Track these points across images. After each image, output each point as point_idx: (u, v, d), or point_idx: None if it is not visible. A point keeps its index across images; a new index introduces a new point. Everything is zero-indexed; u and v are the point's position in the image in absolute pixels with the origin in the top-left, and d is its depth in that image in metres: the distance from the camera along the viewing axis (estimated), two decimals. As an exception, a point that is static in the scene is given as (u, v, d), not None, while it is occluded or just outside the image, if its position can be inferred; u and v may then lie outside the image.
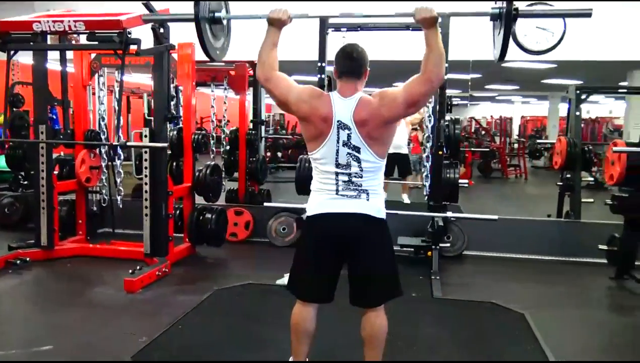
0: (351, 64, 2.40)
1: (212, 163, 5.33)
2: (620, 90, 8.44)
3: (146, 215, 4.58)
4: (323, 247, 2.45)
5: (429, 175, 4.79)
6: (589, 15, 2.50)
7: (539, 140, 13.42)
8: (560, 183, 6.06)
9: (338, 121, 2.34)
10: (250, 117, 6.95)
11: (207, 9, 2.67)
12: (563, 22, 5.46)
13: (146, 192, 4.56)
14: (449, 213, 4.42)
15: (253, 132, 6.65)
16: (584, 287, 4.54)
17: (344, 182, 2.39)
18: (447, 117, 4.85)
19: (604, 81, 11.29)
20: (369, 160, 2.36)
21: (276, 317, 3.52)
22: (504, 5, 2.41)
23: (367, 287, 2.46)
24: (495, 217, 4.47)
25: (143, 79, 9.75)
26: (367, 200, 2.40)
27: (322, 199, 2.44)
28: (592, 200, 6.23)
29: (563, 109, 18.39)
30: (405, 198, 8.23)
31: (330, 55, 4.71)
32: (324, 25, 4.61)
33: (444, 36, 4.47)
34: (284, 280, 4.16)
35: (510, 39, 2.57)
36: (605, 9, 6.07)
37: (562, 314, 3.83)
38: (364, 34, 4.72)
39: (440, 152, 4.52)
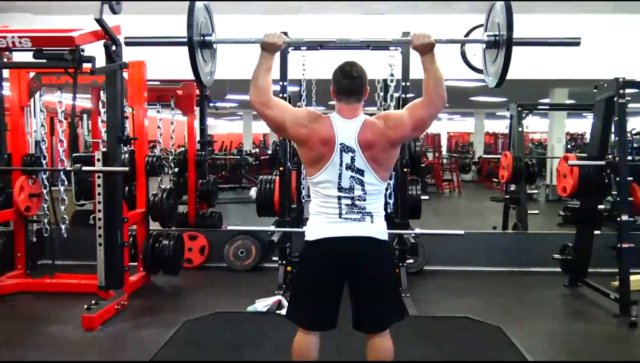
0: (351, 83, 2.32)
1: (168, 186, 5.08)
2: (554, 108, 8.97)
3: (100, 244, 4.25)
4: (327, 272, 2.35)
5: (392, 193, 4.81)
6: (577, 44, 2.61)
7: (485, 155, 14.02)
8: (507, 196, 6.32)
9: (341, 144, 2.27)
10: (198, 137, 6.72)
11: (199, 32, 2.53)
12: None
13: (100, 219, 4.24)
14: (418, 230, 4.45)
15: (202, 153, 6.43)
16: (545, 295, 4.70)
17: (347, 205, 2.31)
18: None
19: (528, 98, 12.00)
20: (372, 183, 2.31)
21: (256, 346, 3.38)
22: (503, 33, 2.45)
23: (373, 310, 2.38)
24: (462, 231, 4.55)
25: (68, 100, 9.21)
26: (372, 222, 2.34)
27: (323, 223, 2.35)
28: (537, 211, 6.53)
29: (488, 125, 19.38)
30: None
31: (292, 73, 4.70)
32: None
33: (405, 55, 4.59)
34: (256, 306, 4.04)
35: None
36: (528, 28, 6.41)
37: (534, 325, 3.93)
38: (323, 53, 4.72)
39: (405, 169, 4.56)
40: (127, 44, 2.76)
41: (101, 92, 5.07)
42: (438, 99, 2.29)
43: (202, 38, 2.56)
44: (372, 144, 2.27)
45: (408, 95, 4.55)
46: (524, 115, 6.30)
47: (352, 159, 2.27)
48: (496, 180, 7.66)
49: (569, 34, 2.73)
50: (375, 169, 2.30)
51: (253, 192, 11.72)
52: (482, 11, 2.70)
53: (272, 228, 4.48)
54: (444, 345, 3.40)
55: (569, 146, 13.76)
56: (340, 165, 2.28)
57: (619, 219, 4.11)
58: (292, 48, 4.62)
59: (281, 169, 4.61)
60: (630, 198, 4.12)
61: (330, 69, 2.39)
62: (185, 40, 2.46)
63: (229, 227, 5.18)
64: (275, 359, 3.17)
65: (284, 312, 3.93)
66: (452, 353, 3.28)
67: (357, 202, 2.31)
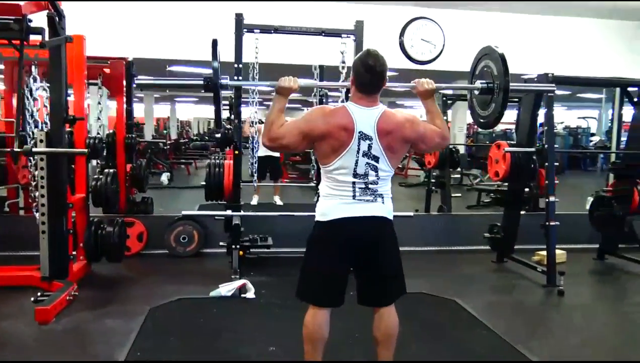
0: (373, 78, 2.38)
1: (111, 170, 4.81)
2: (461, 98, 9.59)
3: (43, 232, 3.96)
4: (342, 251, 2.45)
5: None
6: (552, 92, 2.92)
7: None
8: (434, 181, 6.75)
9: (360, 132, 2.35)
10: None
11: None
12: (443, 36, 6.08)
13: (43, 205, 3.94)
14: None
15: (132, 136, 6.12)
16: (478, 271, 5.11)
17: (361, 188, 2.41)
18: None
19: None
20: (384, 170, 2.43)
21: (234, 330, 3.39)
22: (497, 82, 2.69)
23: (385, 286, 2.52)
24: (412, 213, 4.82)
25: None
26: (383, 203, 2.47)
27: (337, 204, 2.43)
28: (459, 194, 7.05)
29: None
30: (278, 201, 8.35)
31: (246, 56, 4.64)
32: (240, 26, 4.49)
33: (358, 43, 4.72)
34: (220, 291, 4.01)
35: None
36: (459, 25, 6.85)
37: (478, 298, 4.28)
38: (277, 37, 4.74)
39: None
40: (138, 86, 2.68)
41: (33, 68, 4.62)
42: (448, 136, 2.61)
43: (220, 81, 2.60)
44: (389, 133, 2.38)
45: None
46: (449, 103, 6.73)
47: (369, 147, 2.37)
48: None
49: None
50: (389, 157, 2.41)
51: (164, 178, 11.35)
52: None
53: (229, 212, 4.45)
54: (412, 320, 3.57)
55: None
56: (358, 152, 2.36)
57: (547, 200, 4.61)
58: (246, 30, 4.57)
59: (236, 152, 4.57)
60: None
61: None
62: (202, 82, 2.60)
63: (184, 212, 5.00)
64: (258, 342, 3.20)
65: (249, 295, 3.99)
66: (424, 327, 3.52)
67: (370, 186, 2.42)
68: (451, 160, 6.58)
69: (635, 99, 5.17)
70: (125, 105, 6.32)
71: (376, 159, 2.39)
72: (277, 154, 8.22)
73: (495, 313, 3.90)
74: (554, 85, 2.91)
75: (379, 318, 2.53)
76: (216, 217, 4.97)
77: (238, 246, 4.63)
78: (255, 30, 4.58)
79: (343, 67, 4.81)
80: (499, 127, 16.07)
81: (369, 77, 2.37)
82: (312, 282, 2.51)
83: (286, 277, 4.64)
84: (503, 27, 6.23)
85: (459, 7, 6.03)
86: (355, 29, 4.68)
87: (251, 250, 4.95)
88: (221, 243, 5.12)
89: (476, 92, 2.86)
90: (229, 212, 4.49)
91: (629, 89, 5.21)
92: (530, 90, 3.02)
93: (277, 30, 4.61)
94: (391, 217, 2.51)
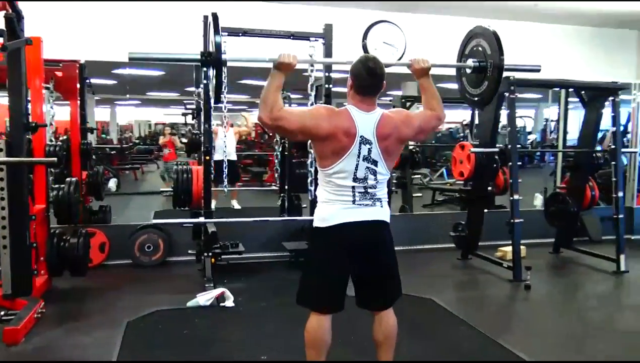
0: (373, 81, 2.40)
1: (73, 179, 4.58)
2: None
3: (4, 247, 3.71)
4: (343, 256, 2.45)
5: (312, 179, 4.96)
6: (538, 71, 3.01)
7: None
8: (395, 181, 6.86)
9: (361, 136, 2.36)
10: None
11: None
12: (404, 39, 6.17)
13: (3, 218, 3.70)
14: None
15: (87, 141, 5.86)
16: (445, 269, 5.25)
17: (360, 193, 2.42)
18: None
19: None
20: (382, 173, 2.45)
21: (223, 339, 3.32)
22: (490, 60, 2.76)
23: (385, 288, 2.55)
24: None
25: None
26: (382, 207, 2.49)
27: (338, 209, 2.42)
28: (420, 194, 7.20)
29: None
30: (236, 205, 8.23)
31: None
32: (208, 28, 4.40)
33: (327, 46, 4.73)
34: (198, 300, 3.91)
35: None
36: (415, 27, 6.98)
37: (450, 295, 4.42)
38: (246, 40, 4.67)
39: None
40: (131, 59, 2.53)
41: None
42: (442, 115, 2.59)
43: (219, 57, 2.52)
44: (387, 137, 2.41)
45: (331, 86, 4.72)
46: (407, 105, 6.85)
47: (369, 151, 2.38)
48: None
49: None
50: (386, 160, 2.44)
51: (112, 184, 10.92)
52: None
53: (202, 219, 4.34)
54: (416, 327, 3.62)
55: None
56: (358, 156, 2.37)
57: (511, 198, 4.79)
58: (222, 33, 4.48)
59: (207, 158, 4.47)
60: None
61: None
62: (198, 58, 2.53)
63: (154, 221, 4.82)
64: (248, 350, 3.16)
65: (228, 303, 3.91)
66: (408, 326, 3.51)
67: (369, 190, 2.43)
68: (412, 160, 6.71)
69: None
70: (79, 110, 6.07)
71: (375, 163, 2.41)
72: (234, 158, 8.13)
73: (470, 309, 4.02)
74: (539, 65, 2.99)
75: (379, 320, 2.55)
76: (184, 224, 4.85)
77: (210, 253, 4.52)
78: (223, 33, 4.49)
79: (312, 70, 4.82)
80: (444, 126, 16.59)
81: (370, 79, 2.38)
82: (315, 288, 2.50)
83: (261, 283, 4.62)
84: (464, 31, 6.42)
85: (421, 12, 6.17)
86: (325, 32, 4.70)
87: (222, 257, 4.84)
88: (190, 251, 5.02)
89: (468, 71, 2.91)
90: (202, 219, 4.38)
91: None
92: (520, 69, 3.07)
93: (245, 33, 4.56)
94: (389, 220, 2.54)
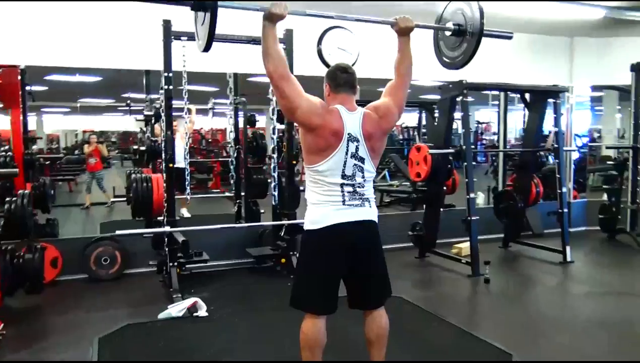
0: (349, 77, 2.48)
1: (26, 191, 4.32)
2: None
3: (-44, 266, 3.47)
4: (336, 257, 2.48)
5: (275, 184, 4.96)
6: (510, 37, 3.07)
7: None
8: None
9: (349, 134, 2.40)
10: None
11: None
12: (357, 44, 6.29)
13: (-46, 235, 3.46)
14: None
15: (31, 151, 5.55)
16: (406, 268, 5.36)
17: (349, 192, 2.46)
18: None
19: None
20: (369, 171, 2.50)
21: (201, 350, 3.25)
22: (470, 23, 2.80)
23: (377, 288, 2.59)
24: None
25: None
26: (370, 207, 2.54)
27: (329, 211, 2.45)
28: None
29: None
30: (185, 213, 8.04)
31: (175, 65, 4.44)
32: (168, 33, 4.31)
33: (288, 52, 4.75)
34: (170, 312, 3.81)
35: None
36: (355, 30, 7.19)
37: (417, 293, 4.54)
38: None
39: (293, 161, 4.75)
40: None
41: None
42: (409, 78, 2.62)
43: None
44: (372, 135, 2.47)
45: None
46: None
47: (357, 148, 2.43)
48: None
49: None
50: (372, 157, 2.50)
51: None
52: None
53: (168, 228, 4.23)
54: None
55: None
56: (346, 153, 2.41)
57: (467, 196, 5.00)
58: (173, 37, 4.39)
59: (170, 165, 4.36)
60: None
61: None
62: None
63: (119, 232, 4.55)
64: (233, 359, 3.12)
65: (201, 313, 3.84)
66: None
67: (357, 189, 2.47)
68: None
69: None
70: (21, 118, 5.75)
71: (362, 160, 2.46)
72: (183, 165, 7.94)
73: (439, 305, 4.15)
74: (511, 32, 3.05)
75: (372, 319, 2.59)
76: (144, 235, 4.70)
77: (176, 263, 4.41)
78: (182, 38, 4.42)
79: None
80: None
81: (346, 76, 2.47)
82: (310, 291, 2.51)
83: (229, 290, 4.56)
84: (417, 38, 6.61)
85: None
86: (285, 37, 4.72)
87: (186, 266, 4.73)
88: (151, 262, 4.86)
89: (447, 33, 2.93)
90: (167, 228, 4.27)
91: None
92: (495, 35, 3.03)
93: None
94: (377, 220, 2.59)
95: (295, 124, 4.52)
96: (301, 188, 5.22)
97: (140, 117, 6.21)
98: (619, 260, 5.73)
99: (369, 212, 2.53)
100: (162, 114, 4.45)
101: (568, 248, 5.40)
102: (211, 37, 2.33)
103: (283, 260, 4.91)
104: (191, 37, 4.38)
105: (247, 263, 5.28)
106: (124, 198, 5.80)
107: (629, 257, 5.79)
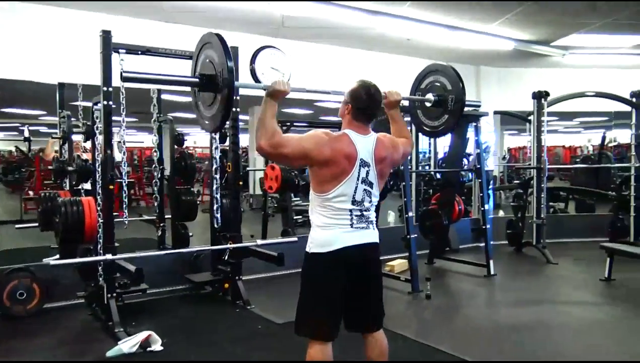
0: (372, 106, 2.47)
1: None
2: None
3: None
4: (343, 280, 2.45)
5: (218, 206, 4.76)
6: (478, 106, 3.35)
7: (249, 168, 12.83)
8: (276, 205, 6.88)
9: (361, 159, 2.40)
10: None
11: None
12: (289, 64, 6.34)
13: None
14: (259, 241, 4.53)
15: None
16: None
17: (357, 216, 2.45)
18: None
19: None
20: (375, 195, 2.52)
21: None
22: (451, 95, 3.01)
23: (377, 308, 2.59)
24: (295, 239, 4.84)
25: None
26: (374, 229, 2.55)
27: (337, 233, 2.42)
28: (300, 217, 7.30)
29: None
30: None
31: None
32: (108, 44, 3.99)
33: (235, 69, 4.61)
34: (121, 348, 3.50)
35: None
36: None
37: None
38: (144, 59, 4.33)
39: (240, 182, 4.60)
40: (124, 79, 2.21)
41: None
42: (412, 143, 2.80)
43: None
44: (383, 159, 2.50)
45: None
46: (284, 129, 6.97)
47: (367, 173, 2.44)
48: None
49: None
50: (379, 183, 2.52)
51: None
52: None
53: (108, 256, 3.85)
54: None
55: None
56: (358, 178, 2.41)
57: (406, 215, 5.17)
58: (112, 50, 4.08)
59: (111, 187, 4.00)
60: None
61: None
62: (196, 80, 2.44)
63: (47, 260, 4.02)
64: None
65: (155, 347, 3.56)
66: (350, 345, 3.56)
67: (364, 213, 2.48)
68: (293, 184, 6.80)
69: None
70: None
71: (371, 185, 2.47)
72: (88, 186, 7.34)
73: (391, 321, 4.18)
74: (480, 101, 3.35)
75: (374, 341, 2.56)
76: (77, 265, 4.26)
77: (114, 293, 4.03)
78: (120, 50, 4.11)
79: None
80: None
81: (370, 104, 2.44)
82: (318, 316, 2.44)
83: (173, 321, 4.25)
84: (346, 60, 6.79)
85: (305, 40, 6.36)
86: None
87: (122, 297, 4.34)
88: (79, 294, 4.42)
89: (428, 104, 3.10)
90: (109, 256, 3.88)
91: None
92: (470, 105, 3.34)
93: (149, 51, 4.23)
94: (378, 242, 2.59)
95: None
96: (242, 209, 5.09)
97: (57, 133, 5.64)
98: (532, 270, 6.24)
99: (373, 234, 2.54)
100: (98, 132, 4.09)
101: (491, 262, 5.77)
102: (225, 118, 2.41)
103: (226, 286, 4.70)
104: (132, 50, 4.16)
105: (181, 290, 4.98)
106: (35, 224, 5.25)
107: (539, 267, 6.32)
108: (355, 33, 5.93)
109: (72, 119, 5.63)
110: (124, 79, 2.24)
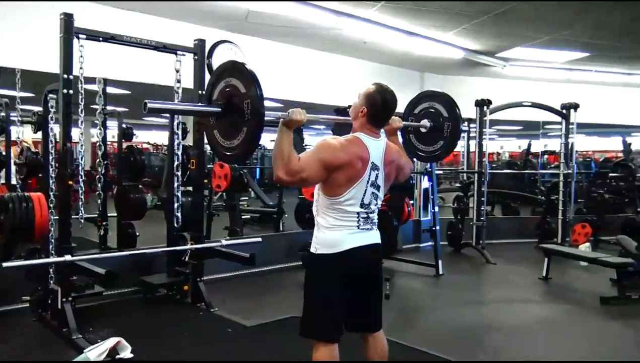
0: (388, 114, 2.48)
1: None
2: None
3: None
4: (351, 281, 2.44)
5: (179, 204, 4.54)
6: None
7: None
8: (223, 204, 6.70)
9: (372, 162, 2.40)
10: None
11: None
12: (246, 60, 6.23)
13: None
14: (224, 241, 4.36)
15: None
16: (296, 286, 5.34)
17: (364, 218, 2.46)
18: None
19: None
20: (380, 198, 2.53)
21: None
22: (447, 123, 3.08)
23: (380, 308, 2.60)
24: (259, 239, 4.72)
25: None
26: (376, 230, 2.56)
27: (345, 234, 2.41)
28: (249, 216, 7.15)
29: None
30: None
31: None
32: (69, 29, 3.69)
33: (198, 62, 4.44)
34: (87, 356, 3.29)
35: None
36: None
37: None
38: (106, 47, 4.06)
39: (206, 181, 4.41)
40: (149, 110, 2.03)
41: None
42: (409, 164, 2.81)
43: None
44: (391, 163, 2.52)
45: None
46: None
47: (377, 176, 2.44)
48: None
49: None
50: (385, 186, 2.53)
51: None
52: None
53: (67, 257, 3.55)
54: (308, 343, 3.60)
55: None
56: (367, 182, 2.40)
57: (365, 217, 5.22)
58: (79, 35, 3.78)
59: (70, 182, 3.70)
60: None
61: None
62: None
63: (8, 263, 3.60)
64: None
65: (126, 354, 3.35)
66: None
67: (370, 215, 2.50)
68: (241, 182, 6.65)
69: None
70: None
71: (378, 188, 2.47)
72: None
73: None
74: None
75: (375, 341, 2.56)
76: (31, 265, 3.90)
77: (70, 298, 3.73)
78: (80, 36, 3.82)
79: (178, 88, 4.44)
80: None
81: (386, 112, 2.44)
82: (325, 317, 2.41)
83: (134, 326, 3.99)
84: (304, 61, 6.73)
85: (262, 36, 6.23)
86: (198, 47, 4.41)
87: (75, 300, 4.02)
88: (25, 298, 4.06)
89: (423, 130, 3.14)
90: (68, 257, 3.58)
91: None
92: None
93: (113, 38, 3.96)
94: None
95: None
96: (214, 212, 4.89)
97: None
98: (475, 270, 6.54)
99: (377, 235, 2.55)
100: (53, 123, 3.77)
101: (440, 262, 5.97)
102: (252, 151, 2.36)
103: (186, 288, 4.51)
104: (92, 35, 3.88)
105: (133, 293, 4.71)
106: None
107: (480, 267, 6.63)
108: (315, 33, 5.90)
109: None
110: (149, 110, 2.08)
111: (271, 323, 4.08)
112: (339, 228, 2.39)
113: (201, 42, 4.43)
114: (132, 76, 5.56)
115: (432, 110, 3.13)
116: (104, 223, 5.60)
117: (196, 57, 4.40)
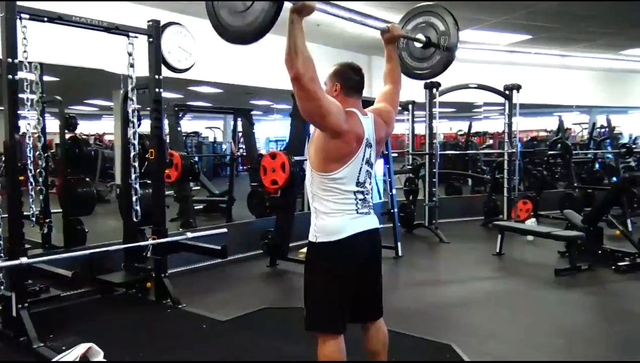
0: (361, 80, 2.39)
1: None
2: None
3: None
4: (354, 269, 2.35)
5: (137, 197, 4.27)
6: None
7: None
8: (175, 195, 6.42)
9: (366, 139, 2.32)
10: None
11: None
12: (196, 45, 6.00)
13: None
14: (189, 234, 4.14)
15: None
16: (265, 277, 5.27)
17: (361, 200, 2.37)
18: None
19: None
20: (373, 176, 2.46)
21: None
22: (444, 37, 2.86)
23: (381, 296, 2.53)
24: (225, 230, 4.53)
25: None
26: (374, 214, 2.48)
27: (345, 221, 2.31)
28: (202, 205, 6.89)
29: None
30: None
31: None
32: (12, 7, 3.34)
33: (155, 45, 4.17)
34: (67, 356, 2.99)
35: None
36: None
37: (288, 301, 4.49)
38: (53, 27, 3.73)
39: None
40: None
41: None
42: (400, 84, 2.66)
43: None
44: (381, 139, 2.44)
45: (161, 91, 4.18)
46: (180, 115, 6.49)
47: (370, 154, 2.36)
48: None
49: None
50: (375, 162, 2.45)
51: None
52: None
53: (23, 260, 3.24)
54: (288, 335, 3.51)
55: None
56: (362, 159, 2.32)
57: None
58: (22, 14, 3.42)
59: (21, 178, 3.37)
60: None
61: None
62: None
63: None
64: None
65: (98, 359, 3.11)
66: (297, 340, 3.33)
67: (366, 196, 2.40)
68: (193, 172, 6.40)
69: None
70: None
71: (371, 165, 2.40)
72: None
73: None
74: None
75: (376, 330, 2.49)
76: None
77: (26, 304, 3.42)
78: (23, 16, 3.47)
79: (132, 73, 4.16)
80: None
81: (358, 79, 2.37)
82: (331, 309, 2.31)
83: (98, 329, 3.71)
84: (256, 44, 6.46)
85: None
86: (153, 28, 4.14)
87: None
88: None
89: (418, 45, 2.91)
90: (24, 260, 3.25)
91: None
92: None
93: (60, 18, 3.63)
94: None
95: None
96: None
97: None
98: (431, 249, 6.68)
99: (376, 220, 2.46)
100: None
101: (399, 244, 6.03)
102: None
103: (149, 285, 4.28)
104: (36, 15, 3.54)
105: (89, 293, 4.41)
106: None
107: (436, 246, 6.77)
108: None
109: None
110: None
111: (245, 316, 3.93)
112: (339, 213, 2.29)
113: (156, 23, 4.17)
114: (70, 60, 5.17)
115: (428, 25, 2.96)
116: (47, 220, 5.21)
117: (151, 40, 4.13)
